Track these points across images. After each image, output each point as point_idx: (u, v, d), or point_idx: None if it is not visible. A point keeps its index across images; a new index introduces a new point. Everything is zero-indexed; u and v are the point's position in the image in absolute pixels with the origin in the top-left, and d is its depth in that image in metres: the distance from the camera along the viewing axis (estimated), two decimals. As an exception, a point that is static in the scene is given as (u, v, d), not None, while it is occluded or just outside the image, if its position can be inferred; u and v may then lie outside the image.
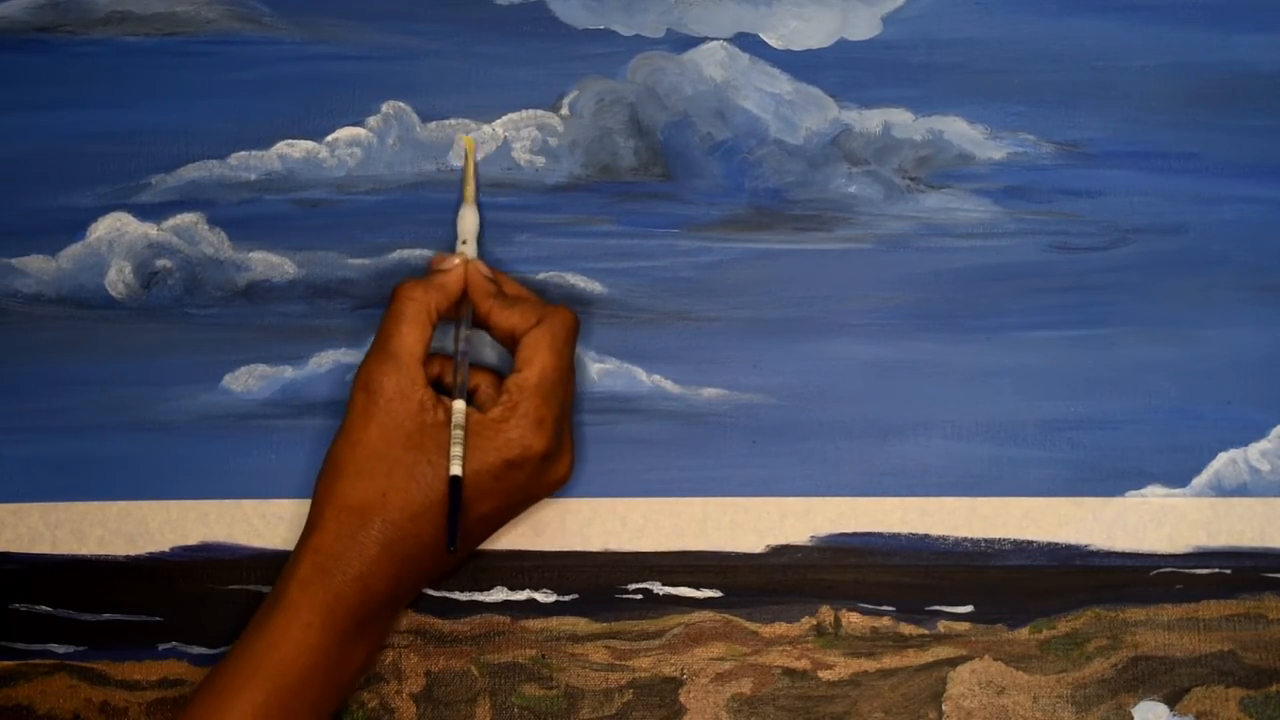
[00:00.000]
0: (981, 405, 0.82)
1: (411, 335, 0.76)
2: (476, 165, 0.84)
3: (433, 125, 0.85)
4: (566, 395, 0.78)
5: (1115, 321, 0.83)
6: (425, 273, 0.80)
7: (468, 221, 0.82)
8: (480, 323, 0.79)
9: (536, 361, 0.77)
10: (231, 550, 0.81)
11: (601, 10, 0.86)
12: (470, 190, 0.83)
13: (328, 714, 0.74)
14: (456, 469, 0.74)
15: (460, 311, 0.79)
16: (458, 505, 0.74)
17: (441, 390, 0.77)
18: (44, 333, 0.83)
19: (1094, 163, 0.84)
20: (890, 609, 0.80)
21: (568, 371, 0.78)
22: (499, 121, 0.85)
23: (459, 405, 0.75)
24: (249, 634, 0.73)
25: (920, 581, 0.81)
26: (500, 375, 0.79)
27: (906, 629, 0.80)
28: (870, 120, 0.85)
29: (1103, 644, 0.80)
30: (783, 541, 0.81)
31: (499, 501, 0.77)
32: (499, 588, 0.81)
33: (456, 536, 0.74)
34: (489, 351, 0.82)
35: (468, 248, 0.81)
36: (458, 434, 0.75)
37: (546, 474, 0.78)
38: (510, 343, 0.78)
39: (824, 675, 0.80)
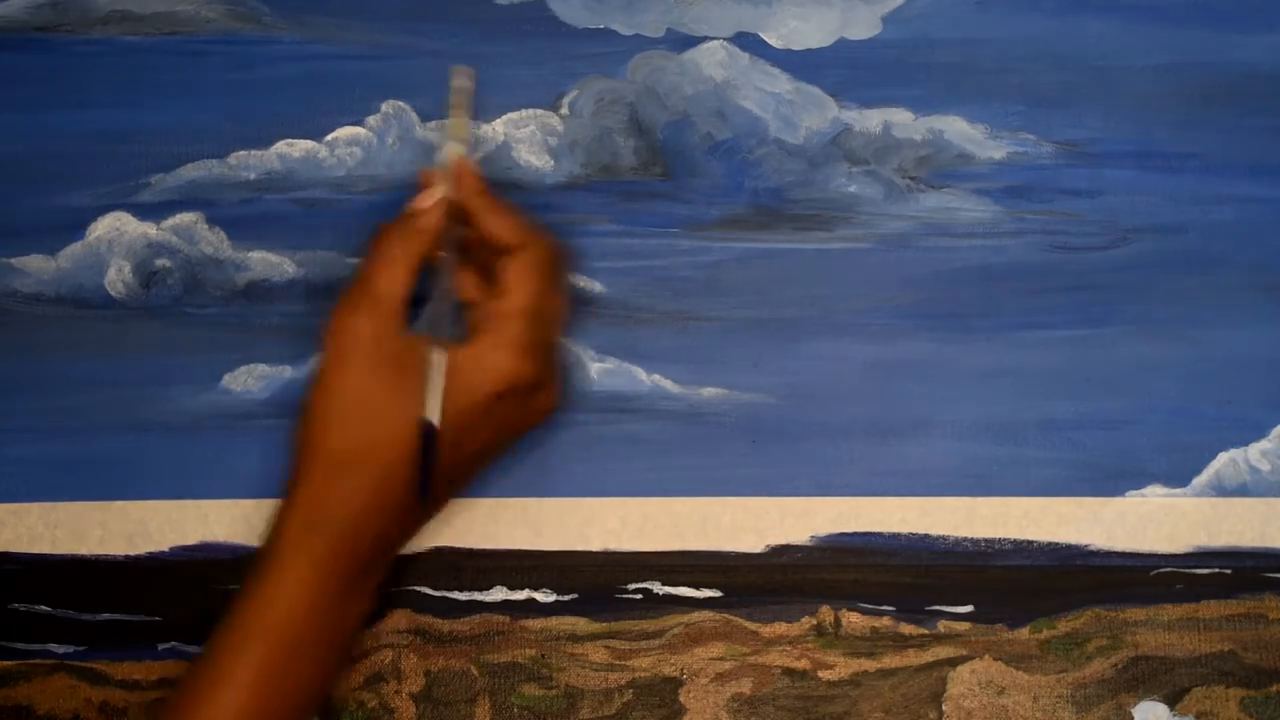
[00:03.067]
0: (981, 405, 0.82)
1: (389, 276, 0.74)
2: (470, 100, 0.82)
3: (433, 125, 0.85)
4: (554, 324, 0.77)
5: (1115, 321, 0.83)
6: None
7: (455, 144, 0.80)
8: (464, 216, 0.76)
9: (521, 288, 0.75)
10: (231, 550, 0.81)
11: (601, 10, 0.86)
12: (462, 130, 0.80)
13: (334, 668, 0.74)
14: (433, 415, 0.72)
15: (440, 249, 0.76)
16: (431, 452, 0.72)
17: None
18: (44, 333, 0.83)
19: (1094, 163, 0.84)
20: (890, 609, 0.80)
21: (554, 299, 0.76)
22: (499, 121, 0.85)
23: (439, 354, 0.73)
24: (243, 596, 0.72)
25: (920, 581, 0.81)
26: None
27: (906, 629, 0.80)
28: (870, 120, 0.85)
29: (1103, 644, 0.80)
30: (783, 541, 0.81)
31: (490, 435, 0.75)
32: (499, 587, 0.81)
33: (428, 484, 0.72)
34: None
35: (460, 146, 0.79)
36: (437, 378, 0.72)
37: (535, 402, 0.76)
38: (492, 256, 0.76)
39: (824, 675, 0.80)
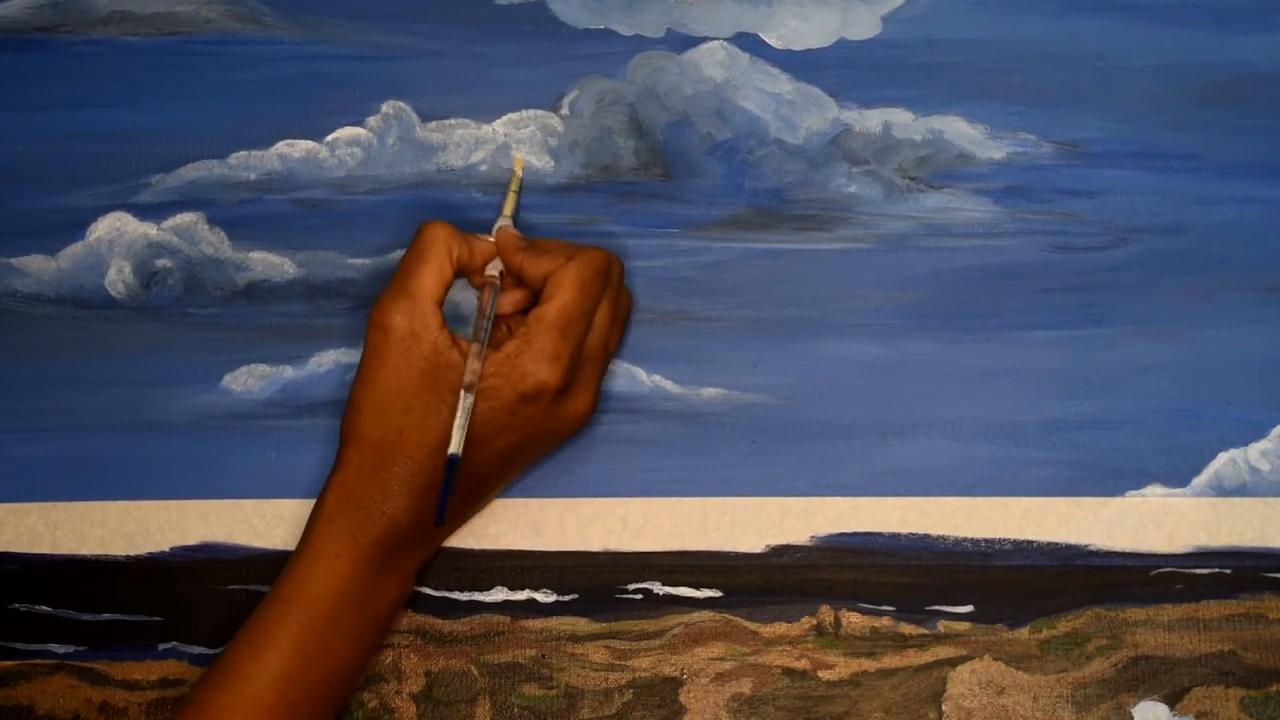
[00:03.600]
0: (981, 405, 0.82)
1: (430, 276, 0.76)
2: (520, 189, 0.83)
3: (433, 125, 0.85)
4: (595, 333, 0.78)
5: (1115, 321, 0.83)
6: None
7: (506, 210, 0.82)
8: (517, 280, 0.79)
9: (558, 296, 0.76)
10: (231, 550, 0.81)
11: (601, 10, 0.86)
12: (510, 208, 0.82)
13: (367, 648, 0.76)
14: (455, 448, 0.74)
15: (483, 299, 0.78)
16: (450, 483, 0.74)
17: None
18: (44, 333, 0.83)
19: (1094, 163, 0.84)
20: (890, 609, 0.80)
21: (593, 307, 0.78)
22: (499, 121, 0.85)
23: (469, 380, 0.75)
24: (283, 573, 0.75)
25: (920, 581, 0.81)
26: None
27: (906, 629, 0.80)
28: (870, 120, 0.85)
29: (1103, 644, 0.80)
30: (783, 541, 0.81)
31: (515, 437, 0.77)
32: (499, 588, 0.81)
33: (444, 510, 0.74)
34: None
35: (506, 221, 0.81)
36: (464, 408, 0.74)
37: (563, 410, 0.77)
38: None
39: (824, 675, 0.80)
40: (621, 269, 0.80)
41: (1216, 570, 0.81)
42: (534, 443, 0.78)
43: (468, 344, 0.76)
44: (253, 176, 0.85)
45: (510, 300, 0.80)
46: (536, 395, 0.76)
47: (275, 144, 0.85)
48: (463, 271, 0.79)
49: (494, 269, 0.79)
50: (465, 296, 0.82)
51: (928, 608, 0.80)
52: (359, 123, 0.85)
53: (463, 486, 0.76)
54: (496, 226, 0.80)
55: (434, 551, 0.80)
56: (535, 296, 0.78)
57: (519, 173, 0.83)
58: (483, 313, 0.78)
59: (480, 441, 0.75)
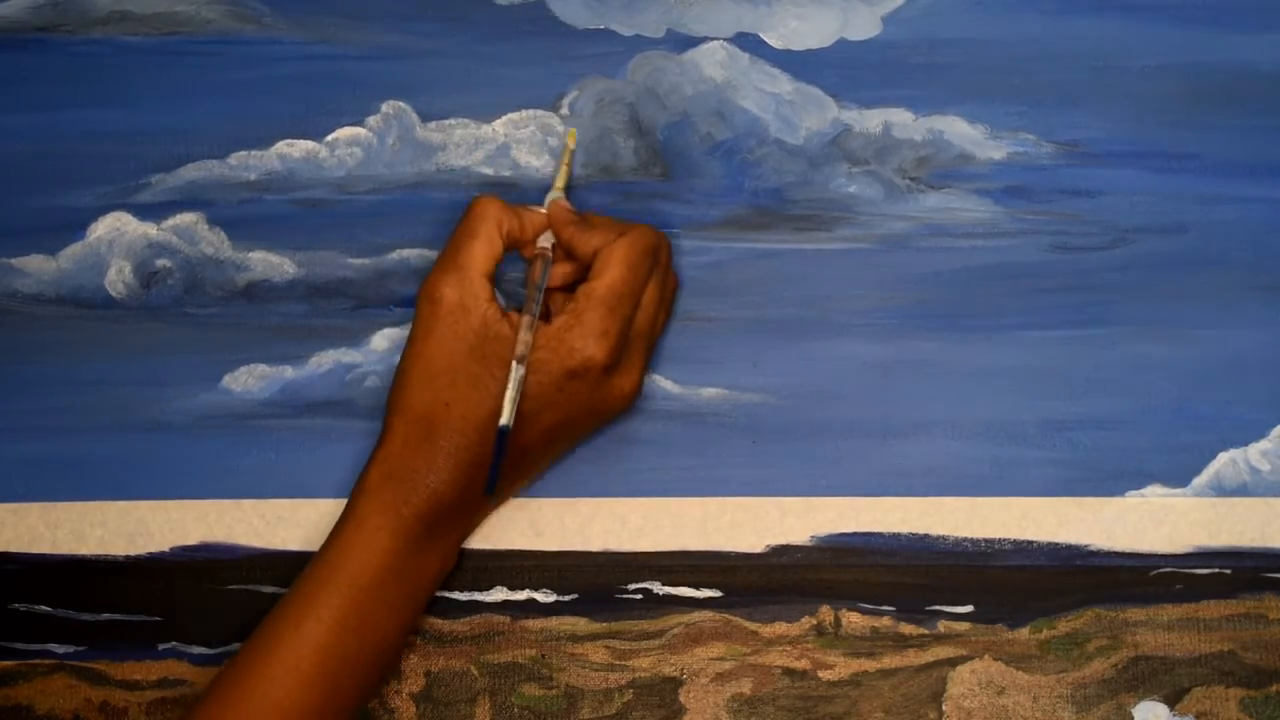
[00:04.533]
0: (981, 405, 0.82)
1: (480, 250, 0.77)
2: (572, 161, 0.83)
3: (433, 125, 0.85)
4: (643, 311, 0.78)
5: (1115, 321, 0.83)
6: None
7: (558, 184, 0.82)
8: (567, 252, 0.79)
9: (607, 273, 0.76)
10: (231, 550, 0.81)
11: (601, 10, 0.86)
12: (561, 182, 0.82)
13: (407, 620, 0.76)
14: (506, 419, 0.74)
15: (534, 271, 0.78)
16: (501, 454, 0.74)
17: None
18: (44, 333, 0.83)
19: (1094, 163, 0.84)
20: (890, 609, 0.80)
21: (641, 286, 0.78)
22: (499, 121, 0.85)
23: (520, 351, 0.75)
24: (325, 544, 0.75)
25: (920, 581, 0.81)
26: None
27: (906, 629, 0.80)
28: (870, 120, 0.85)
29: (1103, 644, 0.80)
30: (783, 541, 0.81)
31: (561, 414, 0.77)
32: (499, 588, 0.81)
33: (495, 482, 0.74)
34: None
35: (557, 193, 0.81)
36: (515, 380, 0.74)
37: (610, 388, 0.78)
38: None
39: (824, 675, 0.80)
40: (670, 249, 0.80)
41: (1216, 570, 0.81)
42: (580, 420, 0.78)
43: (517, 317, 0.76)
44: (253, 176, 0.85)
45: (559, 273, 0.79)
46: (584, 371, 0.76)
47: (275, 144, 0.85)
48: (513, 244, 0.79)
49: (546, 241, 0.79)
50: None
51: (928, 608, 0.81)
52: (359, 123, 0.85)
53: (508, 461, 0.76)
54: (549, 199, 0.80)
55: (475, 527, 0.80)
56: (584, 271, 0.78)
57: (571, 145, 0.83)
58: (534, 284, 0.77)
59: (527, 416, 0.76)
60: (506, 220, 0.78)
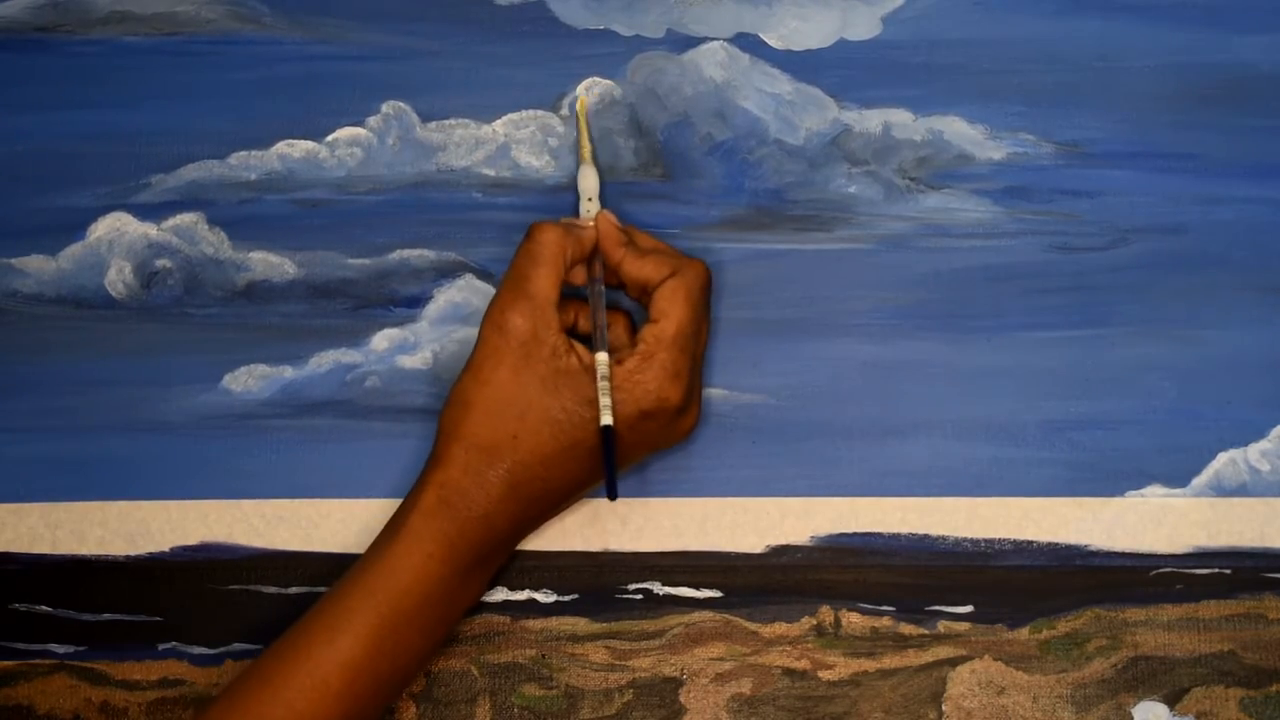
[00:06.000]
0: (981, 405, 0.82)
1: (547, 278, 0.76)
2: (590, 124, 0.83)
3: (433, 125, 0.85)
4: (699, 347, 0.79)
5: (1115, 321, 0.83)
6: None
7: (589, 180, 0.82)
8: (613, 274, 0.79)
9: (673, 313, 0.77)
10: (231, 550, 0.81)
11: (601, 10, 0.86)
12: (586, 150, 0.82)
13: (439, 643, 0.76)
14: (607, 418, 0.74)
15: (593, 266, 0.79)
16: (612, 455, 0.74)
17: (573, 335, 0.78)
18: (44, 333, 0.83)
19: (1094, 163, 0.84)
20: (890, 609, 0.80)
21: (701, 323, 0.78)
22: (499, 121, 0.85)
23: (602, 357, 0.75)
24: (367, 559, 0.74)
25: (920, 581, 0.81)
26: (633, 322, 0.80)
27: (906, 629, 0.80)
28: (870, 120, 0.85)
29: (1103, 644, 0.80)
30: (783, 541, 0.81)
31: (626, 450, 0.77)
32: (499, 588, 0.81)
33: (615, 486, 0.75)
34: (623, 301, 0.82)
35: (594, 205, 0.81)
36: (604, 385, 0.75)
37: (677, 425, 0.78)
38: (642, 294, 0.79)
39: (824, 675, 0.80)
40: (712, 279, 0.81)
41: (1216, 570, 0.81)
42: (640, 455, 0.79)
43: (583, 349, 0.76)
44: (253, 176, 0.85)
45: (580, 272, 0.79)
46: (658, 412, 0.76)
47: (275, 144, 0.85)
48: (573, 266, 0.78)
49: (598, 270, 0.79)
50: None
51: (928, 608, 0.80)
52: (359, 123, 0.85)
53: (562, 491, 0.76)
54: (588, 211, 0.80)
55: (511, 555, 0.80)
56: (615, 276, 0.79)
57: (583, 111, 0.83)
58: (596, 319, 0.77)
59: (593, 458, 0.76)
60: (569, 246, 0.77)
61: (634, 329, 0.80)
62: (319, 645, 0.72)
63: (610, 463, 0.74)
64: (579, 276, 0.79)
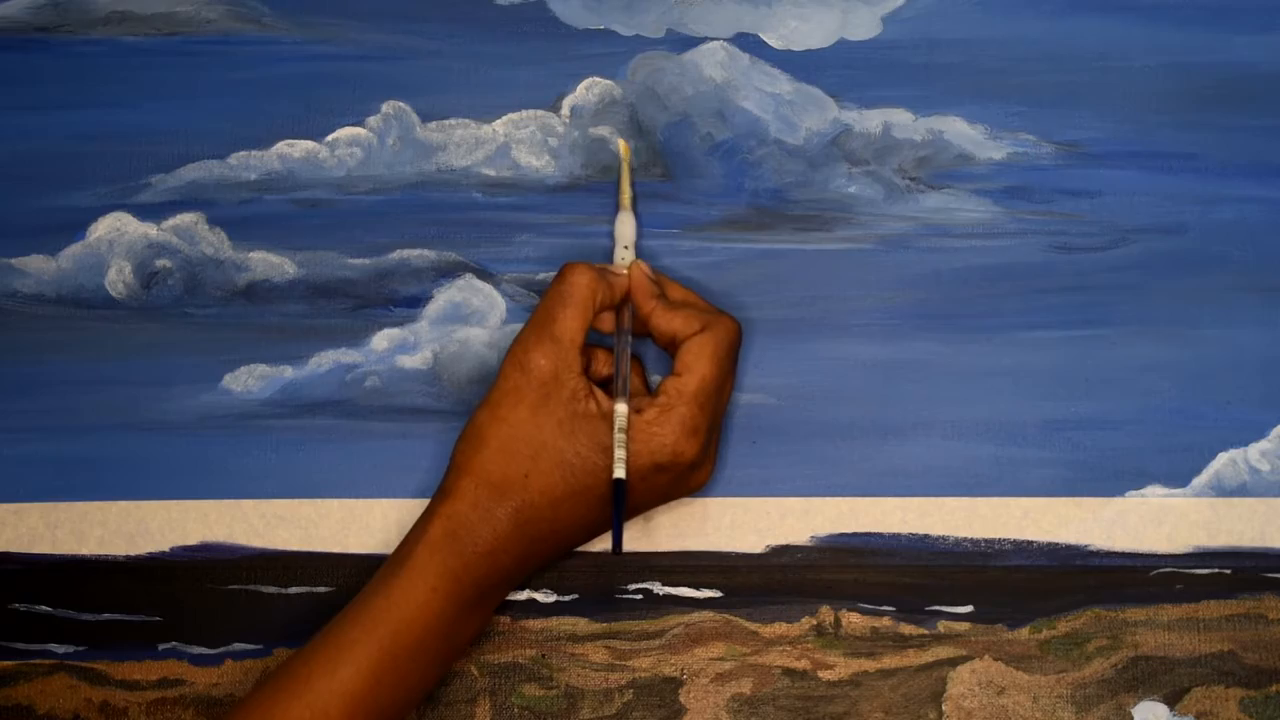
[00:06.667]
0: (981, 405, 0.82)
1: (574, 321, 0.76)
2: (633, 170, 0.83)
3: (433, 125, 0.85)
4: (720, 405, 0.78)
5: (1115, 321, 0.83)
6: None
7: (626, 227, 0.81)
8: (641, 324, 0.79)
9: (697, 369, 0.76)
10: (231, 550, 0.81)
11: (601, 10, 0.86)
12: (626, 196, 0.82)
13: (435, 678, 0.76)
14: (620, 471, 0.74)
15: (622, 314, 0.79)
16: (622, 508, 0.74)
17: (595, 382, 0.77)
18: (44, 333, 0.83)
19: (1094, 163, 0.84)
20: (890, 609, 0.80)
21: (725, 381, 0.78)
22: (499, 121, 0.85)
23: (621, 408, 0.75)
24: (371, 590, 0.74)
25: (920, 581, 0.81)
26: (644, 368, 0.80)
27: (906, 629, 0.80)
28: (870, 120, 0.85)
29: (1103, 644, 0.80)
30: (783, 541, 0.81)
31: (637, 501, 0.77)
32: (499, 588, 0.81)
33: (621, 539, 0.75)
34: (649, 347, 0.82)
35: (629, 253, 0.80)
36: (620, 437, 0.75)
37: (690, 479, 0.78)
38: (671, 346, 0.78)
39: (824, 675, 0.80)
40: (740, 336, 0.80)
41: (1216, 570, 0.81)
42: (649, 506, 0.79)
43: (603, 395, 0.76)
44: (253, 176, 0.85)
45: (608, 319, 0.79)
46: (672, 466, 0.76)
47: (275, 144, 0.85)
48: (602, 310, 0.78)
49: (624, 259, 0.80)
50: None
51: (928, 608, 0.81)
52: (359, 123, 0.85)
53: (568, 534, 0.76)
54: (622, 258, 0.80)
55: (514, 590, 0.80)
56: (644, 325, 0.79)
57: (626, 156, 0.83)
58: (619, 367, 0.77)
59: (602, 505, 0.76)
60: (601, 291, 0.77)
61: (646, 376, 0.81)
62: (319, 676, 0.72)
63: (619, 515, 0.74)
64: (605, 323, 0.78)
